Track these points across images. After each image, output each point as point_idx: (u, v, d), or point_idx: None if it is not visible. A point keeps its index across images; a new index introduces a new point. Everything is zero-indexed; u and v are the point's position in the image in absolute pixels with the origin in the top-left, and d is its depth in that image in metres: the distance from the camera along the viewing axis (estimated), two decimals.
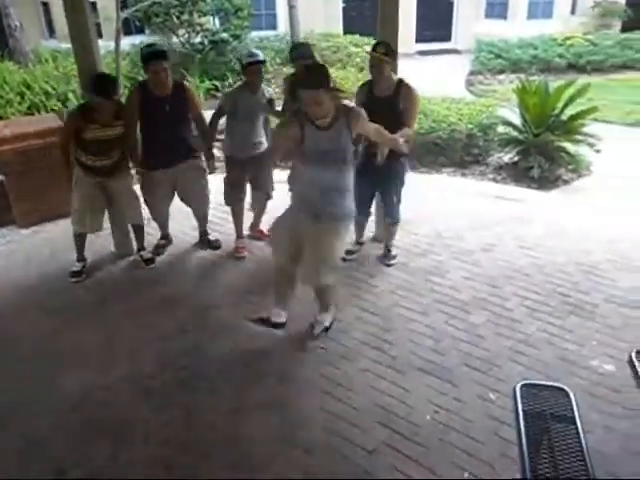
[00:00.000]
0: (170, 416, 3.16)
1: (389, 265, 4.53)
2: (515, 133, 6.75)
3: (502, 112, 7.11)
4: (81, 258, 4.59)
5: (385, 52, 3.92)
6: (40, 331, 3.93)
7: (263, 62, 4.37)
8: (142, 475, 2.82)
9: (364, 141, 3.95)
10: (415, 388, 3.26)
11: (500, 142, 6.84)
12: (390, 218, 4.48)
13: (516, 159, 6.65)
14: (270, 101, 4.48)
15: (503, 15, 13.82)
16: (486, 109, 7.05)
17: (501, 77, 11.41)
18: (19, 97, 8.89)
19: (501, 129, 6.93)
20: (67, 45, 10.18)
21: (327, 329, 3.74)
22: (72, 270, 4.53)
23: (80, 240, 4.56)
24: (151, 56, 4.19)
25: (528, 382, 2.51)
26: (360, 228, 4.69)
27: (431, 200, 5.68)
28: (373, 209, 4.68)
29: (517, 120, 6.76)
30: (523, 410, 2.31)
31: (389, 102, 4.01)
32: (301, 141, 3.23)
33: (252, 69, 4.29)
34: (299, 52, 4.36)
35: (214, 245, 4.91)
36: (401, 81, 4.07)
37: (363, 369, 3.43)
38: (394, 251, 4.62)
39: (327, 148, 3.21)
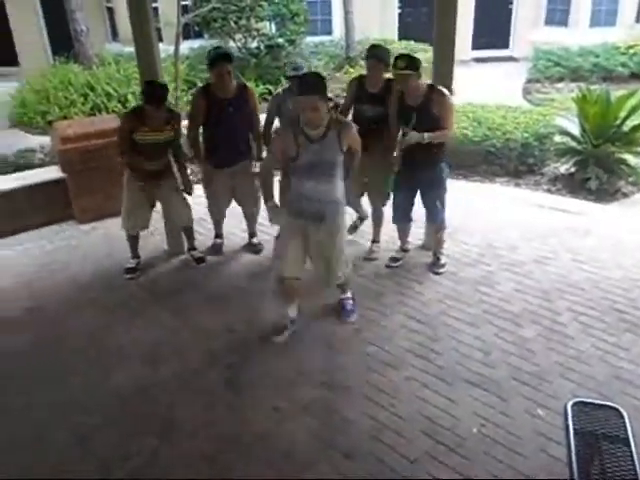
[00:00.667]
0: (215, 414, 3.22)
1: (437, 273, 4.48)
2: (573, 143, 6.55)
3: (560, 121, 6.93)
4: (135, 255, 4.73)
5: (406, 66, 3.83)
6: (93, 326, 4.07)
7: None
8: (185, 470, 2.88)
9: (399, 150, 3.97)
10: (461, 400, 3.21)
11: (557, 152, 6.65)
12: (435, 224, 4.44)
13: (573, 170, 6.45)
14: None
15: (564, 22, 13.46)
16: (543, 118, 6.89)
17: (560, 85, 11.10)
18: (82, 98, 9.28)
19: (558, 139, 6.74)
20: (129, 49, 10.53)
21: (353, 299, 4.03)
22: (127, 267, 4.68)
23: (133, 238, 4.70)
24: (216, 58, 4.28)
25: (580, 400, 2.43)
26: (403, 235, 4.65)
27: (483, 209, 5.59)
28: (417, 216, 4.62)
29: (575, 130, 6.56)
30: (574, 428, 2.24)
31: (421, 109, 3.95)
32: (296, 153, 3.31)
33: (294, 81, 4.31)
34: (374, 52, 4.24)
35: (256, 249, 4.97)
36: (432, 87, 4.01)
37: (408, 377, 3.40)
38: (443, 259, 4.56)
39: (319, 160, 3.30)
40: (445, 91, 4.00)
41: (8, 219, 5.40)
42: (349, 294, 4.04)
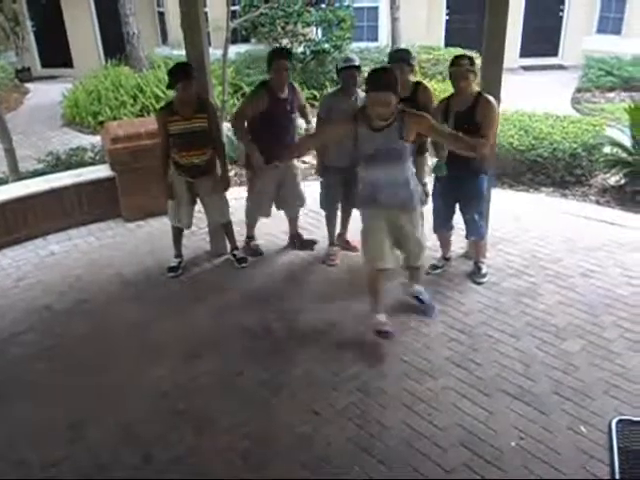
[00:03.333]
0: (251, 413, 3.26)
1: (478, 283, 4.42)
2: (624, 155, 6.37)
3: (610, 132, 6.76)
4: (178, 254, 4.83)
5: (470, 63, 3.90)
6: (137, 320, 4.17)
7: (358, 67, 4.38)
8: (223, 464, 2.93)
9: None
10: (501, 412, 3.16)
11: (606, 163, 6.47)
12: (472, 235, 4.37)
13: (623, 182, 6.28)
14: None
15: (617, 30, 13.12)
16: (592, 128, 6.72)
17: (610, 95, 10.81)
18: (132, 100, 9.52)
19: (608, 150, 6.57)
20: (178, 52, 10.77)
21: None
22: (169, 265, 4.78)
23: (177, 235, 4.80)
24: (277, 53, 4.41)
25: (625, 418, 2.36)
26: (444, 243, 4.62)
27: (527, 220, 5.48)
28: (459, 224, 4.57)
29: (626, 141, 6.39)
30: (619, 447, 2.17)
31: (466, 114, 3.94)
32: (355, 141, 3.47)
33: (346, 73, 4.35)
34: (398, 55, 4.36)
35: (307, 244, 5.02)
36: (480, 93, 4.01)
37: (447, 387, 3.36)
38: (484, 269, 4.50)
39: (384, 148, 3.42)
40: (493, 100, 3.97)
41: (59, 215, 5.59)
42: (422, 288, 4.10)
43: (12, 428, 3.25)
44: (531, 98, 8.70)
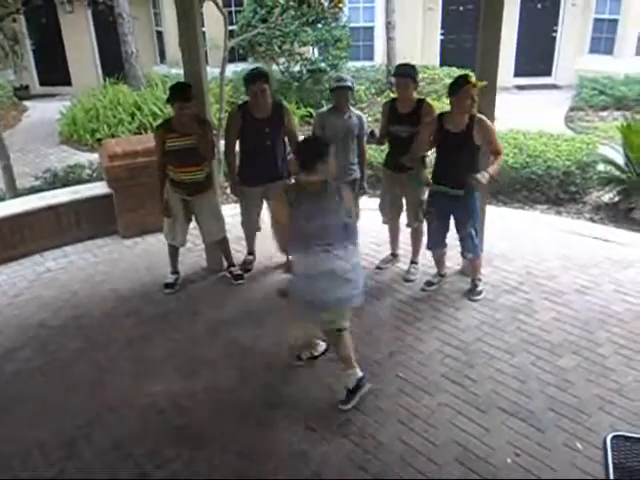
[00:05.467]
0: (247, 431, 3.25)
1: (474, 300, 4.43)
2: (617, 172, 6.44)
3: (603, 150, 6.83)
4: (174, 270, 4.84)
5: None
6: (132, 336, 4.17)
7: (350, 88, 4.46)
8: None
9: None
10: (496, 428, 3.16)
11: (600, 181, 6.54)
12: (468, 252, 4.39)
13: (617, 199, 6.34)
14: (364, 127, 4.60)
15: (609, 51, 13.31)
16: (586, 146, 6.80)
17: (603, 114, 10.93)
18: (130, 117, 9.58)
19: (601, 167, 6.64)
20: (176, 71, 10.87)
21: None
22: (166, 282, 4.78)
23: (173, 252, 4.81)
24: (252, 77, 4.40)
25: (620, 434, 2.37)
26: (438, 261, 4.64)
27: (523, 237, 5.51)
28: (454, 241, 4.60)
29: (619, 159, 6.46)
30: (614, 463, 2.18)
31: (464, 135, 4.00)
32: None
33: (338, 93, 4.43)
34: (402, 70, 4.40)
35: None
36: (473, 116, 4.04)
37: (442, 404, 3.36)
38: (480, 286, 4.51)
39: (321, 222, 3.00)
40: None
41: (55, 232, 5.59)
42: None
43: (5, 445, 3.23)
44: (525, 117, 8.81)
